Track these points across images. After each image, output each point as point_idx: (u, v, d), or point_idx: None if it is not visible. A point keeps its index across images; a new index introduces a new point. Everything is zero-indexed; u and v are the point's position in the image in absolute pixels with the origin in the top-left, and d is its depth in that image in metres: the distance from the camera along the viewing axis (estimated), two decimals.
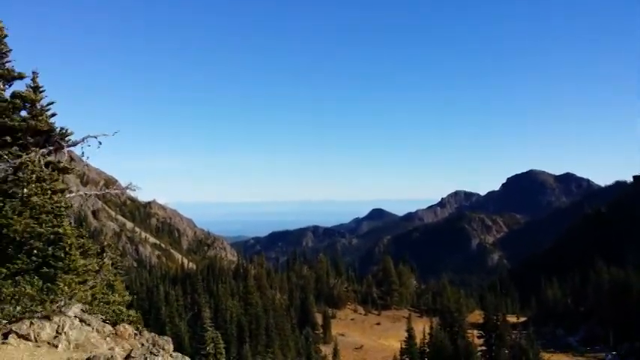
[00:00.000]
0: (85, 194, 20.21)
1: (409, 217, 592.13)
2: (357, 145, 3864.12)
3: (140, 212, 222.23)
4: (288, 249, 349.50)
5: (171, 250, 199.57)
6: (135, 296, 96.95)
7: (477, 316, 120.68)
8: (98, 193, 23.93)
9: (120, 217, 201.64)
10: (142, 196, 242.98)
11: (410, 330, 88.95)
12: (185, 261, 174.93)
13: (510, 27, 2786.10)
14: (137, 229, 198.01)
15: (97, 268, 15.49)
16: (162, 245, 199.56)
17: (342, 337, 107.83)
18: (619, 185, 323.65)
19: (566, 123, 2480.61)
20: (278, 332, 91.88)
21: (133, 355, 9.56)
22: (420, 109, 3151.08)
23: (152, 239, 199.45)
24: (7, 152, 14.44)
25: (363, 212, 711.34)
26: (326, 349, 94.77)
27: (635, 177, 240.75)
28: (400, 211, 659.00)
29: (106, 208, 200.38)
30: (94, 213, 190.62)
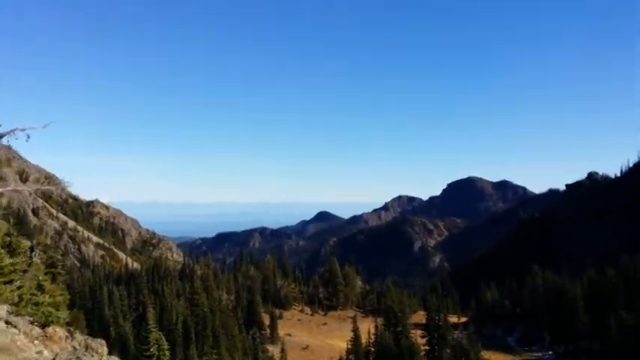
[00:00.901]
0: (17, 190, 19.58)
1: (354, 220, 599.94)
2: (303, 148, 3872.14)
3: (82, 211, 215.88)
4: (235, 250, 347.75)
5: (115, 250, 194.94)
6: (77, 296, 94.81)
7: (420, 317, 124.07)
8: (29, 189, 23.94)
9: (61, 216, 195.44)
10: (86, 195, 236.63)
11: (356, 330, 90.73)
12: (129, 261, 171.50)
13: (452, 34, 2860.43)
14: (79, 228, 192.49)
15: (25, 267, 14.58)
16: (106, 245, 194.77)
17: (289, 337, 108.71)
18: (552, 193, 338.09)
19: (502, 130, 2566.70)
20: (225, 333, 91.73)
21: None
22: (365, 113, 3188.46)
23: (95, 238, 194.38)
24: None
25: (309, 215, 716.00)
26: (273, 349, 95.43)
27: (567, 185, 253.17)
28: (346, 214, 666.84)
29: (47, 206, 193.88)
30: (34, 211, 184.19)
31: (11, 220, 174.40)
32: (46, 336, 10.86)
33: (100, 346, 11.20)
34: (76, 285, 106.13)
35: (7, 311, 10.66)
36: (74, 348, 10.82)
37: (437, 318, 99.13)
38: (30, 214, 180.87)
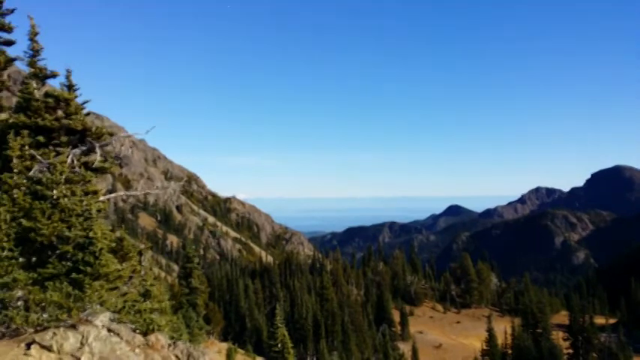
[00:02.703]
0: (111, 196, 18.80)
1: (488, 213, 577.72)
2: (434, 141, 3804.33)
3: (221, 207, 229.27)
4: (364, 244, 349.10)
5: (251, 244, 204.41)
6: (216, 289, 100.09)
7: (561, 317, 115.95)
8: (130, 194, 24.78)
9: (202, 212, 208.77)
10: (223, 192, 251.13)
11: (491, 330, 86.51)
12: (264, 254, 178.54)
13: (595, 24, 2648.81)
14: (218, 223, 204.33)
15: (130, 273, 14.37)
16: (243, 239, 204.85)
17: (421, 334, 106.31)
18: None
19: None
20: (354, 328, 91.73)
21: None
22: (499, 106, 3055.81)
23: (233, 233, 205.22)
24: (41, 152, 13.91)
25: (439, 209, 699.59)
26: (404, 347, 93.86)
27: None
28: (478, 207, 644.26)
29: (190, 203, 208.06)
30: (178, 208, 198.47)
31: (158, 217, 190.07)
32: (148, 344, 10.71)
33: (202, 355, 10.86)
34: (214, 278, 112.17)
35: (110, 318, 10.51)
36: (176, 357, 10.52)
37: (582, 319, 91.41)
38: (175, 210, 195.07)
